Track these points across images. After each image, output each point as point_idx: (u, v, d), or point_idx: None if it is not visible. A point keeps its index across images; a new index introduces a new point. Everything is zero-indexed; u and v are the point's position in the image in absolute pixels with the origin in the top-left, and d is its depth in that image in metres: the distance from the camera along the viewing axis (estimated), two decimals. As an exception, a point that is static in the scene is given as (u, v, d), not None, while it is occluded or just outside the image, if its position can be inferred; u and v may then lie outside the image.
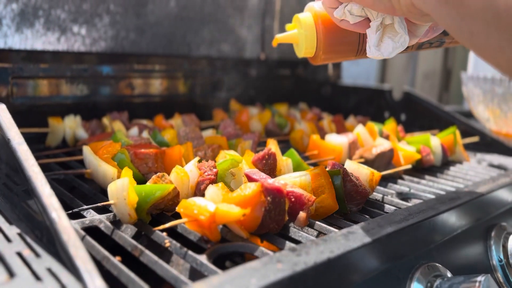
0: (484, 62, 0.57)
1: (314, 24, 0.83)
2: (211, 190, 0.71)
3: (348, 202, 0.83)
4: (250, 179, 0.78)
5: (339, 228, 0.75)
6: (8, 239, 0.61)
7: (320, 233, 0.74)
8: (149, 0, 1.45)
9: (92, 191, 0.88)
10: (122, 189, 0.69)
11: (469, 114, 1.95)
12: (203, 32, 1.61)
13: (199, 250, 0.64)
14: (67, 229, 0.55)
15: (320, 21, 0.82)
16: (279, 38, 0.90)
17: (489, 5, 0.51)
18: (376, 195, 0.95)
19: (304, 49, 0.85)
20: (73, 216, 0.74)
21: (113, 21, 1.38)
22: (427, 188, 1.03)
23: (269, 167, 0.90)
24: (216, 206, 0.65)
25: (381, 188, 1.01)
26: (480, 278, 0.70)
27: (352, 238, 0.64)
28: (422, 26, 0.74)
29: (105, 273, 0.55)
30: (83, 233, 0.66)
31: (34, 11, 1.22)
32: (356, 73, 3.01)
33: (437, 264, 0.77)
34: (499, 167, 1.29)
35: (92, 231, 0.70)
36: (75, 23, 1.30)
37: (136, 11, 1.42)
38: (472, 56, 2.42)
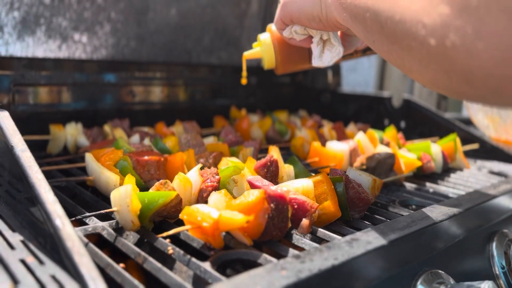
0: None
1: (271, 42, 1.01)
2: (214, 197, 0.71)
3: (351, 209, 0.83)
4: (253, 186, 0.78)
5: (342, 235, 0.75)
6: (11, 246, 0.61)
7: (323, 240, 0.74)
8: (150, 8, 1.46)
9: (94, 198, 0.87)
10: (125, 196, 0.69)
11: (468, 121, 1.96)
12: (203, 40, 1.62)
13: (202, 257, 0.64)
14: (71, 236, 0.55)
15: (276, 40, 1.01)
16: (246, 55, 1.09)
17: (375, 17, 0.62)
18: (378, 202, 0.95)
19: (266, 63, 1.04)
20: (76, 223, 0.73)
21: (114, 29, 1.38)
22: (428, 195, 1.03)
23: (271, 174, 0.90)
24: (219, 213, 0.65)
25: (383, 195, 1.01)
26: (484, 284, 0.70)
27: (355, 245, 0.64)
28: (355, 37, 0.92)
29: (109, 280, 0.55)
30: (86, 240, 0.66)
31: (36, 19, 1.22)
32: (354, 81, 3.02)
33: (440, 271, 0.77)
34: (499, 174, 1.29)
35: (95, 238, 0.70)
36: (76, 31, 1.30)
37: (137, 19, 1.43)
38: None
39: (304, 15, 0.83)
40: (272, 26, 1.02)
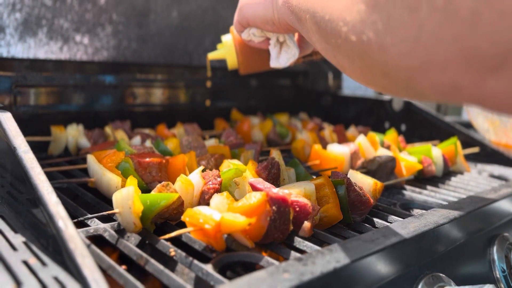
0: None
1: (233, 44, 1.06)
2: (216, 199, 0.71)
3: (352, 212, 0.83)
4: (255, 188, 0.78)
5: (344, 238, 0.75)
6: (13, 248, 0.61)
7: (324, 243, 0.74)
8: (151, 10, 1.46)
9: (96, 199, 0.87)
10: (127, 198, 0.69)
11: (469, 125, 1.96)
12: (204, 42, 1.62)
13: (204, 259, 0.64)
14: (74, 238, 0.55)
15: (237, 42, 1.05)
16: (210, 55, 1.14)
17: (312, 18, 0.66)
18: (379, 205, 0.95)
19: (229, 63, 1.08)
20: (77, 225, 0.73)
21: (115, 30, 1.38)
22: (429, 198, 1.03)
23: (273, 176, 0.91)
24: (221, 215, 0.65)
25: (384, 198, 1.01)
26: (486, 288, 0.70)
27: (357, 248, 0.64)
28: None
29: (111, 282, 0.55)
30: (88, 241, 0.66)
31: (37, 20, 1.22)
32: (355, 84, 3.01)
33: (441, 274, 0.77)
34: (499, 177, 1.30)
35: (97, 240, 0.70)
36: (77, 33, 1.30)
37: (138, 21, 1.43)
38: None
39: (259, 18, 0.88)
40: (233, 28, 1.05)
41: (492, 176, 1.32)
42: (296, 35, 0.98)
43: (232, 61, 1.08)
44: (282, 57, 0.95)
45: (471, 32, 0.39)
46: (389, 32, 0.47)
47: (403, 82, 0.50)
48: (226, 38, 1.09)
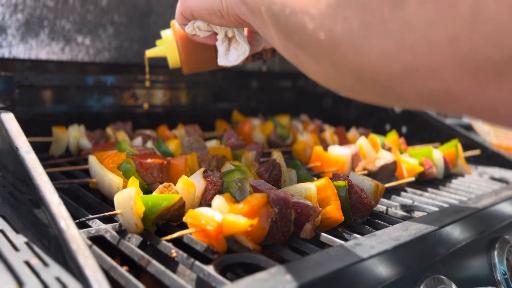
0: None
1: (174, 39, 0.92)
2: (218, 200, 0.71)
3: (353, 214, 0.83)
4: (256, 189, 0.78)
5: (345, 239, 0.75)
6: (15, 248, 0.61)
7: (326, 245, 0.74)
8: (153, 11, 1.46)
9: (97, 200, 0.88)
10: (129, 199, 0.69)
11: (469, 127, 1.96)
12: (206, 43, 1.62)
13: (205, 260, 0.64)
14: (76, 238, 0.55)
15: (179, 37, 0.91)
16: (149, 52, 1.01)
17: (269, 11, 0.57)
18: (380, 207, 0.95)
19: (170, 62, 0.97)
20: (79, 225, 0.73)
21: (117, 32, 1.39)
22: (430, 200, 1.03)
23: (274, 178, 0.91)
24: (223, 216, 0.65)
25: (385, 200, 1.01)
26: (487, 291, 0.70)
27: (359, 250, 0.65)
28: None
29: (112, 283, 0.55)
30: (89, 242, 0.66)
31: (39, 21, 1.23)
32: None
33: (442, 277, 0.77)
34: (500, 180, 1.30)
35: (98, 240, 0.70)
36: (79, 34, 1.31)
37: (140, 23, 1.43)
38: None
39: (205, 9, 0.76)
40: (175, 22, 0.92)
41: (493, 178, 1.32)
42: (246, 30, 0.87)
43: (173, 59, 0.96)
44: (231, 55, 0.85)
45: (471, 32, 0.33)
46: (366, 30, 0.41)
47: (381, 88, 0.44)
48: (167, 33, 0.97)
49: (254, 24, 0.67)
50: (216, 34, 0.85)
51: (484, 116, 0.38)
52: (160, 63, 1.50)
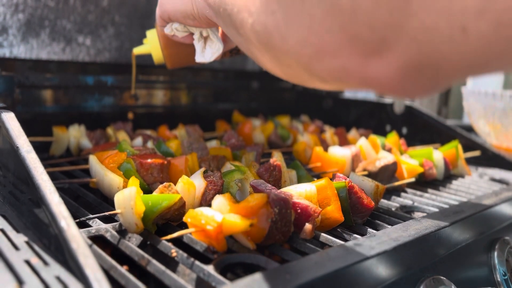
0: None
1: (157, 38, 1.01)
2: (218, 200, 0.71)
3: (353, 215, 0.83)
4: (256, 190, 0.79)
5: (345, 240, 0.75)
6: (16, 247, 0.61)
7: (325, 245, 0.74)
8: (154, 12, 1.46)
9: (97, 200, 0.88)
10: (130, 199, 0.69)
11: (470, 128, 1.96)
12: (206, 44, 1.62)
13: (205, 260, 0.64)
14: (76, 238, 0.55)
15: (161, 36, 1.00)
16: (135, 50, 1.10)
17: (225, 11, 0.63)
18: (380, 208, 0.95)
19: (154, 58, 1.05)
20: (79, 225, 0.73)
21: (118, 32, 1.39)
22: (430, 201, 1.03)
23: (274, 178, 0.91)
24: (223, 216, 0.65)
25: (385, 201, 1.01)
26: (486, 291, 0.70)
27: (359, 250, 0.65)
28: None
29: (112, 282, 0.55)
30: (89, 242, 0.66)
31: (40, 21, 1.23)
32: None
33: (442, 277, 0.77)
34: (500, 181, 1.30)
35: (98, 240, 0.70)
36: (80, 34, 1.31)
37: (140, 23, 1.43)
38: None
39: (179, 12, 0.84)
40: None
41: (493, 179, 1.32)
42: (220, 29, 0.94)
43: (157, 56, 1.05)
44: (207, 52, 0.93)
45: (353, 21, 0.41)
46: (288, 21, 0.48)
47: (306, 71, 0.51)
48: (151, 32, 1.06)
49: (219, 24, 0.73)
50: (192, 34, 0.93)
51: (374, 87, 0.45)
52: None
